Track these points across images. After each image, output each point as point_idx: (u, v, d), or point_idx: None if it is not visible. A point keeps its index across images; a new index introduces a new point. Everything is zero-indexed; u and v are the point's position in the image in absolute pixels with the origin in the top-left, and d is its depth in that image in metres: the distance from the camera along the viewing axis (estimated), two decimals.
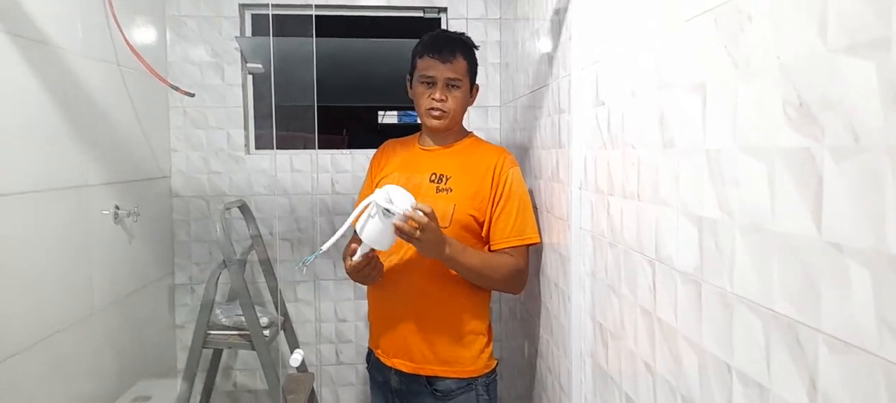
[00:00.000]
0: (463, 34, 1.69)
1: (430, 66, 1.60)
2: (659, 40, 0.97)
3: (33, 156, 1.53)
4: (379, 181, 1.70)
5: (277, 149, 2.52)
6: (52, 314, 1.60)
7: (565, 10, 1.49)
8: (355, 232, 1.40)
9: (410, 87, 1.69)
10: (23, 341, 1.47)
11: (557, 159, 1.57)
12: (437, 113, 1.61)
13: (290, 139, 2.62)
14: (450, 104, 1.61)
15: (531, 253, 1.83)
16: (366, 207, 1.35)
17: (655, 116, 0.99)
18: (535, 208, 1.73)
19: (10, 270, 1.43)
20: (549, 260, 1.65)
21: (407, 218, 1.33)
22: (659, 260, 0.99)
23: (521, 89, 2.06)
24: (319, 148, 2.53)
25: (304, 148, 2.53)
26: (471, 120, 2.48)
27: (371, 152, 2.47)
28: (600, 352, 1.28)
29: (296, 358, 1.37)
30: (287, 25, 2.59)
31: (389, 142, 1.82)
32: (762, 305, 0.71)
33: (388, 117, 4.10)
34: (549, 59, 1.66)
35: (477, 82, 1.70)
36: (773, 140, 0.69)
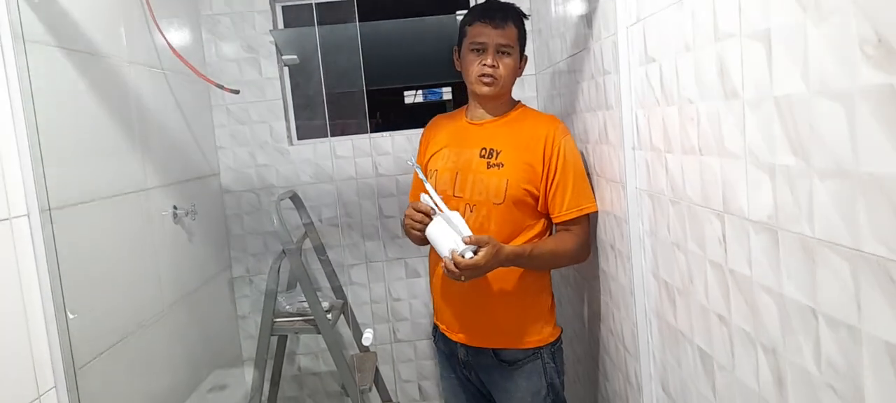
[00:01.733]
0: (514, 3, 1.68)
1: (482, 33, 1.59)
2: None
3: (94, 165, 1.59)
4: (429, 158, 1.72)
5: (321, 137, 2.56)
6: (128, 316, 1.67)
7: None
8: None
9: (458, 58, 1.68)
10: (103, 343, 1.54)
11: (605, 121, 1.56)
12: (488, 79, 1.60)
13: (332, 126, 2.65)
14: (500, 70, 1.60)
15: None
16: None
17: (714, 68, 0.98)
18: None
19: (89, 275, 1.50)
20: (603, 224, 1.66)
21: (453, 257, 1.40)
22: (728, 212, 0.99)
23: (558, 54, 2.04)
24: (349, 133, 2.55)
25: (343, 134, 2.56)
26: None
27: (407, 133, 2.52)
28: (667, 310, 1.29)
29: (368, 337, 1.43)
30: (318, 14, 2.60)
31: (438, 118, 1.82)
32: (848, 247, 0.71)
33: (413, 97, 4.13)
34: (588, 21, 1.64)
35: (525, 53, 1.70)
36: (851, 80, 0.68)
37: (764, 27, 0.84)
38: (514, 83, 1.69)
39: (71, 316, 1.30)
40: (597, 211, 1.64)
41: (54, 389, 1.29)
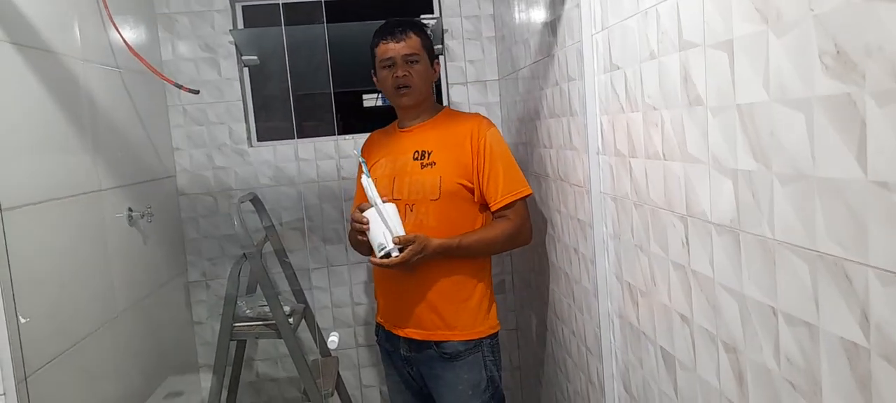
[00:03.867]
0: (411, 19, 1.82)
1: (387, 50, 1.71)
2: (678, 2, 1.00)
3: (47, 164, 1.53)
4: (368, 170, 1.78)
5: (283, 139, 2.52)
6: (80, 321, 1.61)
7: None
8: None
9: (376, 80, 1.78)
10: (52, 350, 1.48)
11: (569, 127, 1.60)
12: (403, 90, 1.71)
13: (289, 129, 2.61)
14: (412, 78, 1.70)
15: (540, 221, 1.90)
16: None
17: (678, 76, 1.02)
18: (541, 174, 1.79)
19: (37, 280, 1.43)
20: (566, 228, 1.69)
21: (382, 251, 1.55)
22: (690, 215, 1.02)
23: (522, 61, 2.07)
24: (309, 135, 2.52)
25: (305, 136, 2.53)
26: (470, 95, 2.50)
27: (369, 135, 2.50)
28: (630, 311, 1.32)
29: (333, 340, 1.43)
30: (277, 14, 2.57)
31: (373, 134, 1.93)
32: (806, 247, 0.75)
33: (372, 100, 4.11)
34: (552, 29, 1.67)
35: (437, 59, 1.82)
36: (810, 89, 0.72)
37: (727, 37, 0.87)
38: (431, 87, 1.79)
39: (23, 321, 1.25)
40: (531, 194, 1.72)
41: (3, 396, 1.23)
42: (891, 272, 0.63)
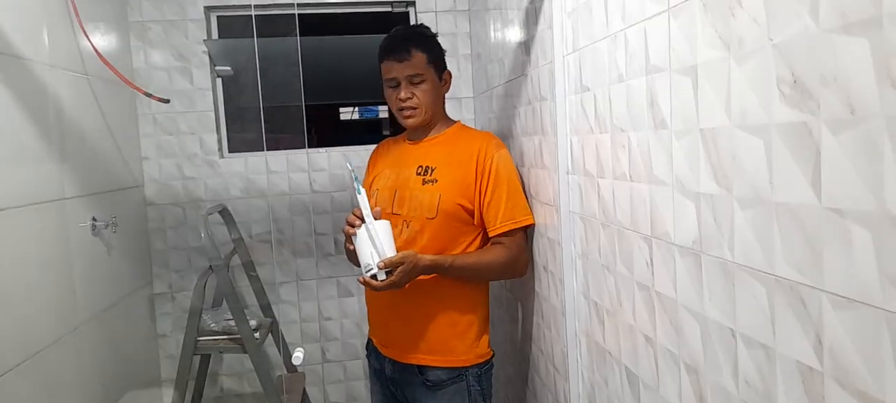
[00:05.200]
0: (419, 26, 1.73)
1: (390, 69, 1.63)
2: (646, 27, 1.01)
3: (10, 171, 1.49)
4: (372, 179, 1.74)
5: (253, 150, 2.50)
6: (38, 331, 1.56)
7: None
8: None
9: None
10: (8, 361, 1.44)
11: (541, 145, 1.61)
12: (407, 112, 1.64)
13: (267, 140, 2.59)
14: (418, 98, 1.63)
15: None
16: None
17: (645, 100, 1.03)
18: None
19: None
20: (537, 245, 1.70)
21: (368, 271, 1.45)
22: (655, 236, 1.03)
23: (496, 79, 2.09)
24: (282, 148, 2.50)
25: (278, 148, 2.52)
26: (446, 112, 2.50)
27: (344, 149, 2.50)
28: (596, 330, 1.33)
29: (298, 356, 1.39)
30: (252, 26, 2.56)
31: (384, 142, 1.87)
32: (764, 271, 0.76)
33: (349, 114, 4.11)
34: (526, 48, 1.69)
35: (448, 69, 1.73)
36: (769, 116, 0.73)
37: (691, 63, 0.89)
38: (441, 102, 1.72)
39: None
40: (534, 224, 1.65)
41: None
42: (844, 297, 0.64)
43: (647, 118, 1.03)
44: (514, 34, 1.82)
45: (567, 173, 1.43)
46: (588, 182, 1.32)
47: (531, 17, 1.62)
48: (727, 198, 0.83)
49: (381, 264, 1.43)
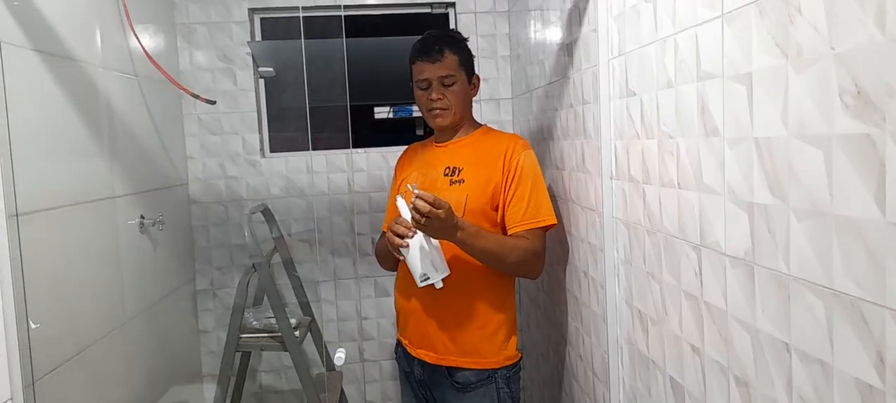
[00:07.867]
0: (451, 30, 1.76)
1: (422, 70, 1.65)
2: (697, 32, 1.00)
3: (64, 170, 1.54)
4: (401, 182, 1.76)
5: (295, 150, 2.54)
6: (89, 326, 1.62)
7: (586, 1, 1.51)
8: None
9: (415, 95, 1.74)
10: (63, 354, 1.49)
11: (583, 150, 1.60)
12: (437, 112, 1.67)
13: (302, 140, 2.63)
14: (448, 100, 1.65)
15: (554, 243, 1.86)
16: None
17: (695, 106, 1.02)
18: (553, 196, 1.76)
19: (49, 285, 1.44)
20: (576, 250, 1.68)
21: (412, 208, 1.38)
22: (704, 245, 1.02)
23: (537, 81, 2.08)
24: (322, 148, 2.53)
25: (318, 148, 2.55)
26: (483, 113, 2.50)
27: (383, 150, 2.52)
28: (639, 338, 1.31)
29: (340, 357, 1.41)
30: (294, 27, 2.59)
31: (412, 146, 1.89)
32: (822, 285, 0.74)
33: (384, 114, 4.14)
34: (569, 50, 1.68)
35: (477, 73, 1.74)
36: (829, 127, 0.72)
37: (746, 70, 0.87)
38: (469, 105, 1.74)
39: (33, 326, 1.26)
40: (555, 225, 1.62)
41: (10, 400, 1.23)
42: None
43: (698, 125, 1.01)
44: (556, 36, 1.81)
45: (611, 178, 1.41)
46: (633, 188, 1.30)
47: (574, 20, 1.61)
48: (783, 208, 0.81)
49: (428, 199, 1.38)
